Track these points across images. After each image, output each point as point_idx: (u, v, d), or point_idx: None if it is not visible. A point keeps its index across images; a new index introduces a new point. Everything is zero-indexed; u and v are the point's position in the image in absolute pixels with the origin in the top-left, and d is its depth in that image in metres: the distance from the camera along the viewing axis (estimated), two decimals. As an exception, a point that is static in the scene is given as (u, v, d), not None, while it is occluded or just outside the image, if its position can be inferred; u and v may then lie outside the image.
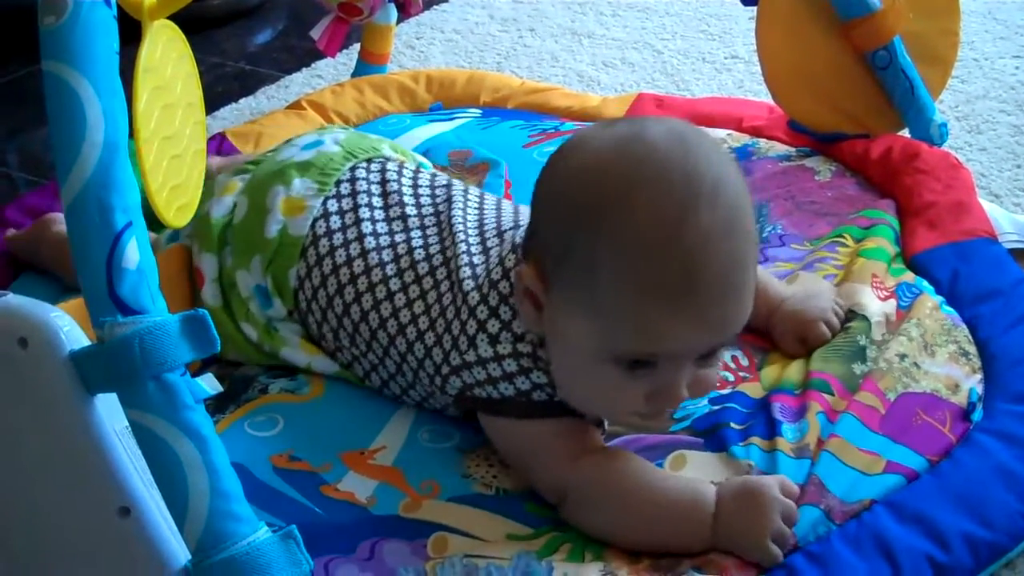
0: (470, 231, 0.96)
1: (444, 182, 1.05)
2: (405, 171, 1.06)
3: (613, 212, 0.77)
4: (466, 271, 0.93)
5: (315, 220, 1.01)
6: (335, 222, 1.01)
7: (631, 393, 0.82)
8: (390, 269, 0.97)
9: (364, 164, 1.06)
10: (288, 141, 1.13)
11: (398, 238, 0.99)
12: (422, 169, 1.09)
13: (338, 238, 1.00)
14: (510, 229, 0.95)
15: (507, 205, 1.01)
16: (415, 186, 1.04)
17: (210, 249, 1.04)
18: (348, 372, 1.02)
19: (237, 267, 1.03)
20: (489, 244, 0.95)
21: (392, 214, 1.01)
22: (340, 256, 0.99)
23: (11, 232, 1.28)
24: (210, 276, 1.04)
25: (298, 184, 1.03)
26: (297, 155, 1.07)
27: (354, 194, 1.03)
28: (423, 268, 0.96)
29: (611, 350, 0.80)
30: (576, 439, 0.88)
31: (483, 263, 0.93)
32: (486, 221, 0.98)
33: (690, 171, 0.77)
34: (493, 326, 0.89)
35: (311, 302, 1.00)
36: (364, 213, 1.01)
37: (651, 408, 0.83)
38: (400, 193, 1.03)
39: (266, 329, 1.03)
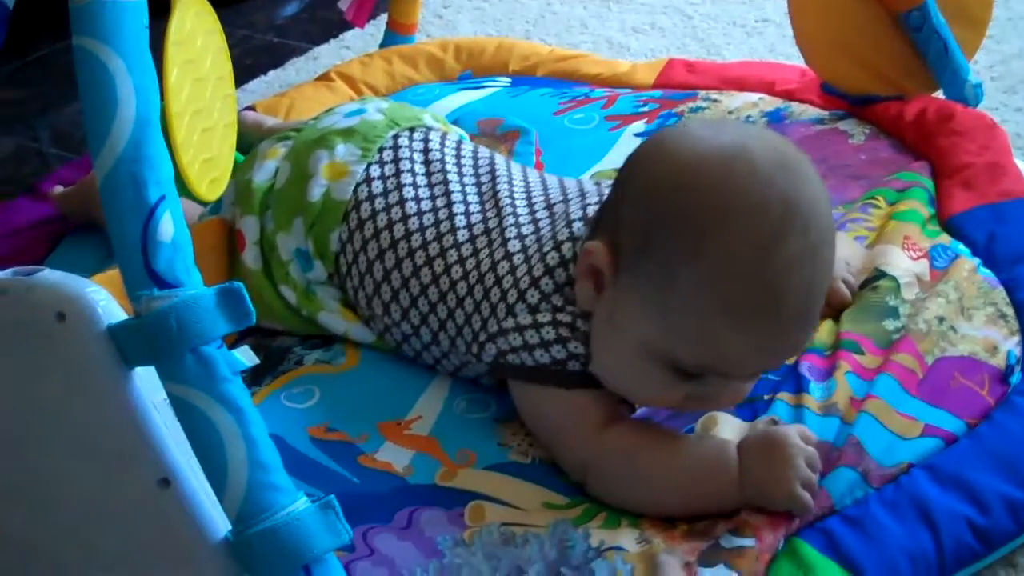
0: (517, 202, 0.97)
1: (487, 154, 1.06)
2: (448, 141, 1.07)
3: (707, 224, 0.78)
4: (515, 243, 0.93)
5: (358, 185, 1.02)
6: (377, 187, 1.01)
7: (670, 393, 0.84)
8: (429, 234, 0.97)
9: (407, 132, 1.07)
10: (330, 110, 1.13)
11: (439, 203, 0.99)
12: (464, 141, 1.10)
13: (380, 202, 1.00)
14: (559, 202, 0.95)
15: (551, 179, 1.02)
16: (458, 156, 1.05)
17: (252, 212, 1.04)
18: (381, 341, 1.02)
19: (278, 230, 1.03)
20: (538, 216, 0.95)
21: (434, 180, 1.02)
22: (381, 220, 0.99)
23: (58, 189, 1.28)
24: (251, 239, 1.04)
25: (341, 149, 1.04)
26: (340, 122, 1.07)
27: (396, 160, 1.03)
28: (463, 235, 0.96)
29: (667, 353, 0.81)
30: (604, 411, 0.88)
31: (532, 233, 0.93)
32: (533, 193, 0.98)
33: (788, 198, 0.78)
34: (533, 296, 0.89)
35: (351, 266, 1.01)
36: (406, 179, 1.02)
37: (686, 407, 0.87)
38: (443, 162, 1.03)
39: (305, 293, 1.03)
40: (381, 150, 1.04)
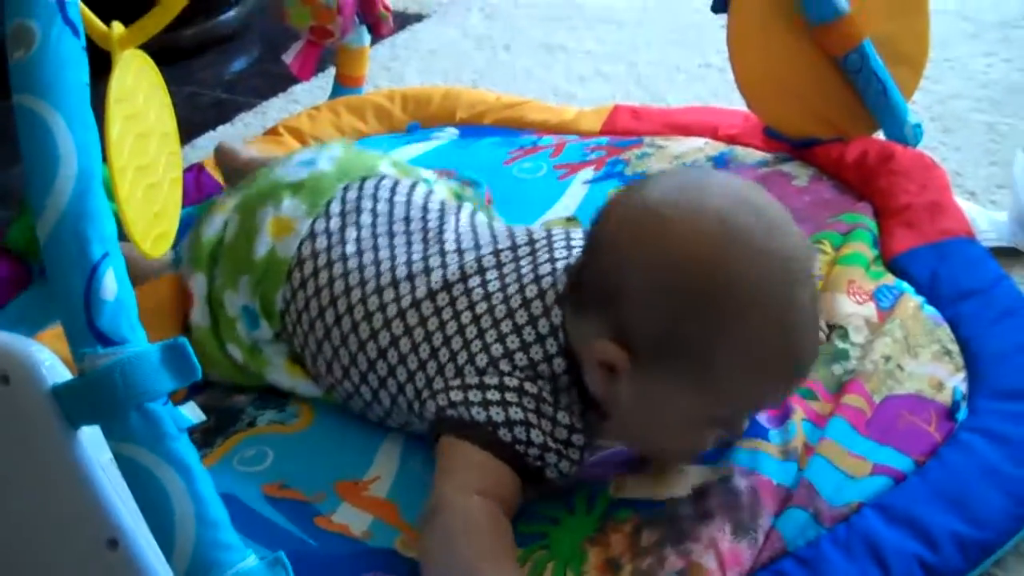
0: (466, 255, 0.96)
1: (437, 200, 1.05)
2: (399, 188, 1.05)
3: (727, 312, 0.80)
4: (463, 301, 0.92)
5: (302, 242, 1.01)
6: (321, 243, 1.00)
7: (709, 438, 0.87)
8: (369, 288, 0.96)
9: (357, 183, 1.05)
10: (287, 156, 1.12)
11: (382, 255, 0.98)
12: (419, 186, 1.08)
13: (322, 259, 0.99)
14: (510, 262, 0.94)
15: (500, 226, 1.01)
16: (407, 203, 1.03)
17: (200, 268, 1.03)
18: (330, 397, 1.01)
19: (225, 287, 1.02)
20: (488, 277, 0.93)
21: (379, 231, 1.01)
22: (323, 278, 0.98)
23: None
24: (199, 296, 1.03)
25: (288, 205, 1.03)
26: (291, 173, 1.06)
27: (343, 214, 1.02)
28: (404, 288, 0.95)
29: (710, 416, 0.85)
30: (495, 484, 0.86)
31: (479, 284, 0.92)
32: (481, 242, 0.97)
33: (787, 260, 0.82)
34: (482, 359, 0.89)
35: (296, 325, 1.00)
36: (350, 234, 1.00)
37: (715, 444, 0.89)
38: (390, 213, 1.02)
39: (251, 350, 1.03)
40: (329, 203, 1.03)
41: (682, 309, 0.81)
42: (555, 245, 0.94)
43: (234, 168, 1.29)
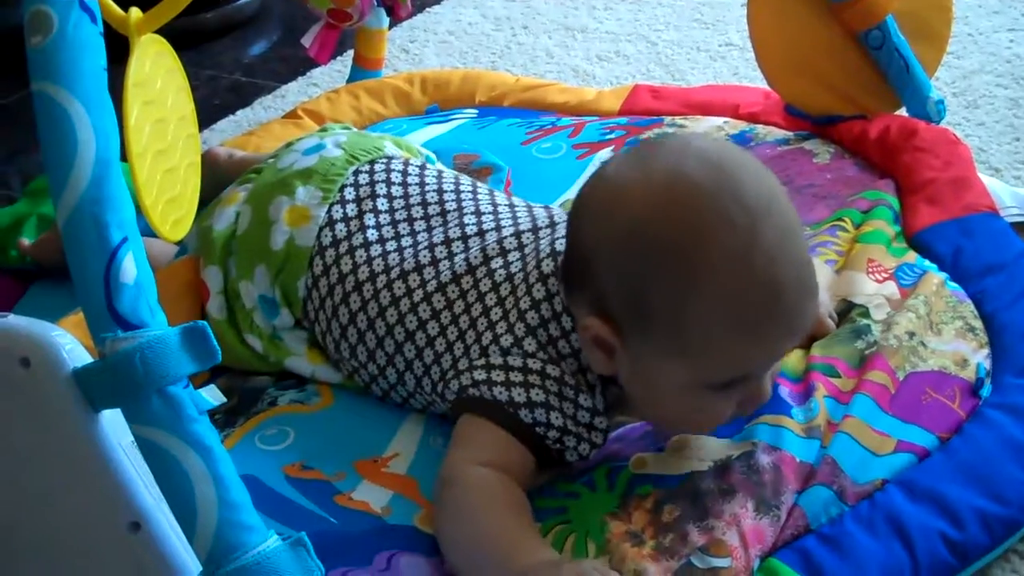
0: (488, 236, 0.96)
1: (451, 180, 1.05)
2: (410, 169, 1.06)
3: (685, 262, 0.78)
4: (486, 282, 0.92)
5: (321, 229, 1.01)
6: (340, 230, 1.00)
7: (724, 406, 0.85)
8: (394, 273, 0.96)
9: (367, 167, 1.05)
10: (289, 145, 1.12)
11: (404, 241, 0.99)
12: (428, 165, 1.08)
13: (344, 246, 1.00)
14: (530, 241, 0.95)
15: (521, 207, 1.01)
16: (421, 184, 1.04)
17: (214, 261, 1.04)
18: (351, 382, 1.02)
19: (240, 278, 1.03)
20: (510, 258, 0.94)
21: (398, 216, 1.01)
22: (346, 264, 0.99)
23: (25, 241, 1.25)
24: (215, 288, 1.04)
25: (302, 193, 1.03)
26: (299, 161, 1.06)
27: (358, 200, 1.02)
28: (429, 273, 0.95)
29: (701, 382, 0.82)
30: (505, 459, 0.86)
31: (501, 265, 0.93)
32: (503, 224, 0.98)
33: (741, 198, 0.79)
34: (506, 340, 0.89)
35: (318, 311, 1.00)
36: (369, 220, 1.01)
37: (741, 412, 0.86)
38: (406, 196, 1.02)
39: (271, 339, 1.03)
40: (343, 188, 1.03)
41: (644, 271, 0.80)
42: None
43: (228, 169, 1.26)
